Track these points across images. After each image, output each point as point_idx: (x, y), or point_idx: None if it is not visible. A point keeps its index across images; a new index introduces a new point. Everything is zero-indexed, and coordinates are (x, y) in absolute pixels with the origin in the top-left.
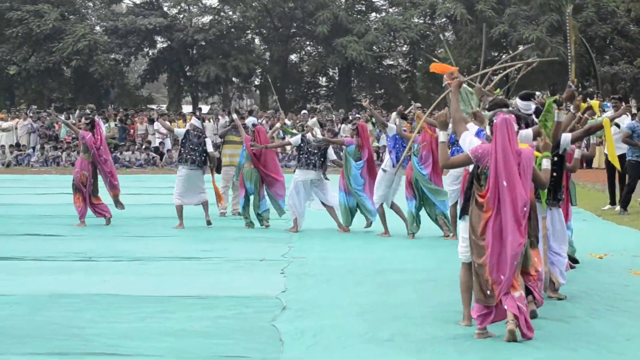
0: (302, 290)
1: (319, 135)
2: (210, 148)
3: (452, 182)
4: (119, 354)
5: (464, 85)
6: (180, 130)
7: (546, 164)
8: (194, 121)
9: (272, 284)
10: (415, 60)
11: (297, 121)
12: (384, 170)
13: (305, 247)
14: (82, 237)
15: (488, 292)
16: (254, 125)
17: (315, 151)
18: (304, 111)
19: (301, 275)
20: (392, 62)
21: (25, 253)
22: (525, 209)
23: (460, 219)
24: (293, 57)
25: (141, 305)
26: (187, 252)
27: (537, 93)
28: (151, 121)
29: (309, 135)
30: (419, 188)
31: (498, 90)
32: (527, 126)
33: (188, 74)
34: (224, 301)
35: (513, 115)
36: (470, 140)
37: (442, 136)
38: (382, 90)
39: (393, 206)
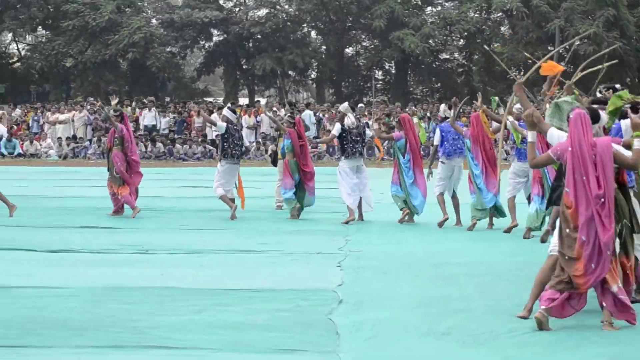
0: (358, 283)
1: (353, 120)
2: (247, 142)
3: (516, 175)
4: (175, 347)
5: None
6: (221, 124)
7: (637, 144)
8: (227, 113)
9: (329, 277)
10: (472, 54)
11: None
12: (442, 162)
13: (362, 240)
14: (138, 229)
15: (567, 281)
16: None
17: (358, 138)
18: (360, 105)
19: (358, 268)
20: (448, 56)
21: (83, 245)
22: (601, 200)
23: (546, 209)
24: (349, 50)
25: (197, 298)
26: (244, 245)
27: (617, 85)
28: (210, 113)
29: (347, 121)
30: (475, 183)
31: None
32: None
33: (244, 67)
34: (281, 294)
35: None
36: (558, 135)
37: (530, 136)
38: (439, 84)
39: (454, 198)
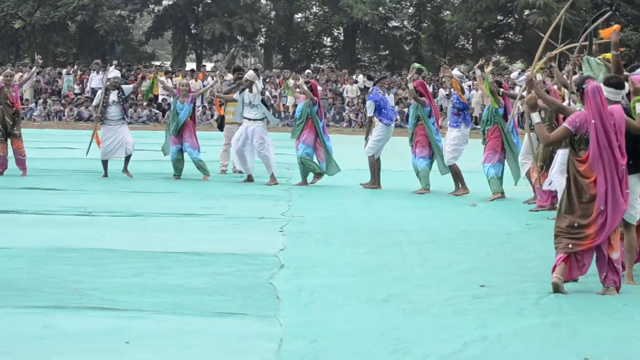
0: (300, 248)
1: (260, 87)
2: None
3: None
4: (116, 309)
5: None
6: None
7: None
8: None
9: (271, 242)
10: (421, 23)
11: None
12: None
13: (305, 205)
14: (82, 191)
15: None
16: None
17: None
18: (307, 71)
19: (300, 233)
20: (397, 24)
21: (26, 206)
22: (623, 168)
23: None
24: (298, 16)
25: (138, 260)
26: (187, 209)
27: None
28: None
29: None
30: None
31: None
32: None
33: (193, 31)
34: (222, 258)
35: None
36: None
37: (535, 117)
38: (387, 52)
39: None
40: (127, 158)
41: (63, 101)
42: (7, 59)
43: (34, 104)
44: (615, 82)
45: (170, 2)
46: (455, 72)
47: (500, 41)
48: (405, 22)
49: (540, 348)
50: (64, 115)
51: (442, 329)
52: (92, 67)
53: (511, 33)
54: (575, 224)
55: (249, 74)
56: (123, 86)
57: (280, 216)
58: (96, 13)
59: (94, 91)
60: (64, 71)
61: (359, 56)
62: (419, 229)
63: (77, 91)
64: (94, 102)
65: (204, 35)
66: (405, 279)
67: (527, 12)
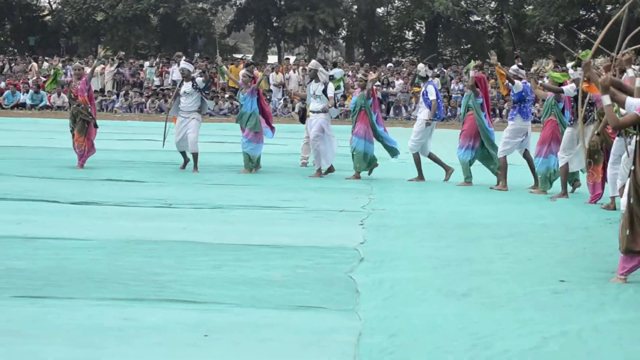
0: (380, 242)
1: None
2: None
3: (516, 134)
4: (194, 301)
5: None
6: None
7: None
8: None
9: (351, 235)
10: (503, 17)
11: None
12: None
13: (385, 199)
14: (162, 183)
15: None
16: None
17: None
18: (389, 64)
19: (380, 227)
20: (479, 18)
21: (107, 198)
22: None
23: None
24: (380, 10)
25: (218, 253)
26: (267, 201)
27: None
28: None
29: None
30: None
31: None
32: None
33: (275, 24)
34: (302, 251)
35: None
36: (637, 102)
37: (606, 99)
38: (469, 46)
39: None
40: (194, 157)
41: (144, 93)
42: (89, 50)
43: (115, 96)
44: None
45: None
46: (514, 67)
47: (582, 36)
48: (487, 17)
49: (619, 344)
50: (145, 107)
51: (522, 324)
52: (174, 59)
53: (594, 28)
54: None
55: (312, 62)
56: (197, 78)
57: (360, 209)
58: (178, 6)
59: (174, 83)
60: (147, 63)
61: (441, 50)
62: (500, 222)
63: (157, 83)
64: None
65: (286, 28)
66: (485, 273)
67: (609, 7)
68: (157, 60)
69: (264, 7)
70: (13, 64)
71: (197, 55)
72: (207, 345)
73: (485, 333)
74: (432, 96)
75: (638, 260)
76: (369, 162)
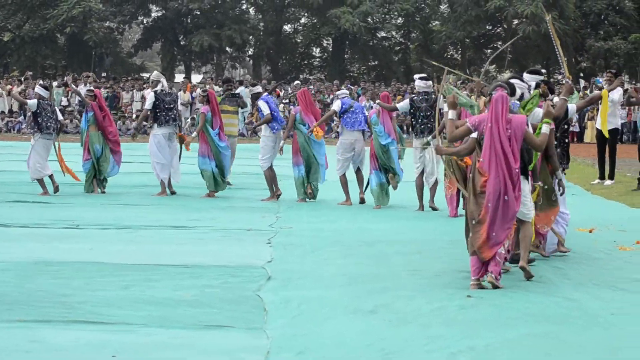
0: (288, 260)
1: (165, 85)
2: (60, 116)
3: (345, 151)
4: (103, 322)
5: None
6: (32, 102)
7: (545, 129)
8: (39, 90)
9: (258, 254)
10: (410, 33)
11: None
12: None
13: (293, 217)
14: (70, 204)
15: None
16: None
17: (172, 106)
18: (296, 82)
19: (288, 245)
20: (386, 34)
21: (14, 220)
22: (517, 171)
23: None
24: (287, 27)
25: (126, 273)
26: (176, 221)
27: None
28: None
29: (159, 88)
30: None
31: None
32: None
33: (182, 43)
34: (210, 270)
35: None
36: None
37: (450, 114)
38: (376, 62)
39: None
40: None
41: None
42: None
43: (22, 117)
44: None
45: (159, 14)
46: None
47: (489, 51)
48: (394, 32)
49: (528, 358)
50: None
51: (430, 339)
52: (80, 78)
53: (500, 42)
54: (474, 221)
55: (154, 74)
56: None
57: (268, 228)
58: (85, 25)
59: (81, 103)
60: (55, 84)
61: (348, 67)
62: (407, 239)
63: (64, 103)
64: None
65: (193, 47)
66: (392, 289)
67: (516, 21)
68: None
69: (170, 26)
70: None
71: (103, 74)
72: None
73: (393, 349)
74: (265, 111)
75: (475, 259)
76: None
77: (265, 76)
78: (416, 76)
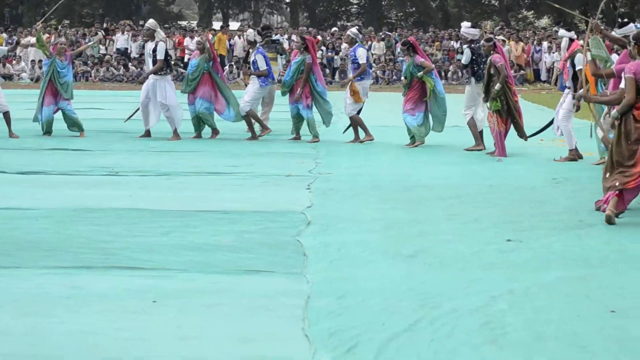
0: (327, 205)
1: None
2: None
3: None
4: (142, 268)
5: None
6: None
7: None
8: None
9: (298, 200)
10: None
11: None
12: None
13: (332, 163)
14: (109, 152)
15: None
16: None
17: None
18: (334, 28)
19: (327, 190)
20: None
21: (53, 167)
22: None
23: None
24: None
25: (165, 219)
26: (214, 167)
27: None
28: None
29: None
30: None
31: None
32: None
33: None
34: (249, 216)
35: None
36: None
37: (589, 55)
38: (413, 9)
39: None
40: (6, 118)
41: (89, 62)
42: (33, 20)
43: None
44: None
45: None
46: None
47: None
48: None
49: (567, 301)
50: (90, 76)
51: (469, 283)
52: (118, 27)
53: None
54: (624, 164)
55: (150, 22)
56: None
57: (307, 173)
58: None
59: (119, 51)
60: (90, 32)
61: (386, 13)
62: (446, 184)
63: (102, 52)
64: None
65: None
66: (431, 234)
67: None
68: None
69: None
70: None
71: (141, 22)
72: (155, 312)
73: (433, 293)
74: (261, 66)
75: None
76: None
77: (302, 23)
78: (467, 24)
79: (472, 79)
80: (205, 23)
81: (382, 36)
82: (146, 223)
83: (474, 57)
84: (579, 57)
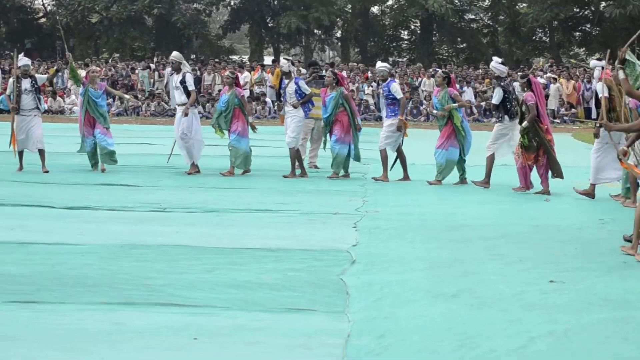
0: (372, 244)
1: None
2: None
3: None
4: (185, 305)
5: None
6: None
7: None
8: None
9: (344, 238)
10: (497, 15)
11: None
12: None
13: (380, 201)
14: (158, 187)
15: None
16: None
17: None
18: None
19: (373, 229)
20: (473, 16)
21: (101, 203)
22: None
23: None
24: (374, 9)
25: (211, 256)
26: (262, 205)
27: None
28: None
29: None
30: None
31: None
32: None
33: (269, 24)
34: (294, 254)
35: None
36: None
37: (621, 74)
38: (464, 45)
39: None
40: (41, 153)
41: (140, 96)
42: (85, 53)
43: (111, 100)
44: None
45: None
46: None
47: (577, 34)
48: (482, 15)
49: (606, 343)
50: (141, 111)
51: (509, 323)
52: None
53: (588, 25)
54: None
55: (174, 54)
56: (37, 75)
57: (354, 212)
58: (172, 6)
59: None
60: (140, 67)
61: (437, 49)
62: (492, 224)
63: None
64: (7, 91)
65: (281, 29)
66: (474, 274)
67: (603, 4)
68: (155, 60)
69: (257, 7)
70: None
71: (192, 56)
72: (195, 349)
73: (472, 333)
74: (398, 95)
75: None
76: (245, 161)
77: (354, 58)
78: (498, 60)
79: (506, 117)
80: (256, 57)
81: (432, 72)
82: (190, 260)
83: (505, 96)
84: (599, 85)
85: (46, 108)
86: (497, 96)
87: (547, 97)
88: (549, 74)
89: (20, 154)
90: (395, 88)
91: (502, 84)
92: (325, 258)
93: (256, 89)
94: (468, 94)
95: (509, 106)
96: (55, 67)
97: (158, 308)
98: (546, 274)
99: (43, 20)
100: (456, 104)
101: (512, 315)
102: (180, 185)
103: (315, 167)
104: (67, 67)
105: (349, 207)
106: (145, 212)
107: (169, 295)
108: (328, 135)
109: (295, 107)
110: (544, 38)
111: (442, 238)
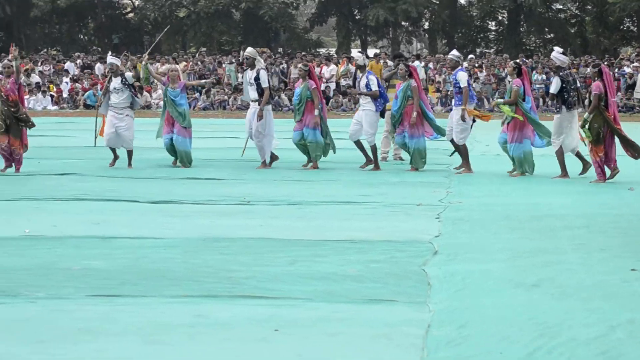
0: (455, 235)
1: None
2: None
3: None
4: (267, 297)
5: None
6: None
7: None
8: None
9: (427, 229)
10: (585, 5)
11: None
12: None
13: (463, 191)
14: (242, 181)
15: None
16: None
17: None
18: (470, 56)
19: (457, 220)
20: (561, 6)
21: (185, 197)
22: None
23: None
24: (462, 0)
25: (294, 249)
26: (345, 197)
27: None
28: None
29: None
30: None
31: None
32: None
33: (357, 17)
34: (377, 245)
35: None
36: None
37: None
38: (552, 35)
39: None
40: (128, 154)
41: (227, 90)
42: (172, 47)
43: (197, 94)
44: None
45: None
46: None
47: None
48: (569, 5)
49: None
50: (228, 105)
51: (589, 312)
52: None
53: None
54: None
55: (248, 50)
56: (127, 74)
57: (437, 203)
58: (260, 0)
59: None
60: (226, 60)
61: (524, 40)
62: (575, 213)
63: (240, 80)
64: (102, 91)
65: (368, 21)
66: (556, 263)
67: None
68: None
69: (345, 0)
70: (98, 63)
71: (280, 49)
72: (276, 340)
73: (552, 323)
74: (462, 83)
75: None
76: (324, 150)
77: (441, 50)
78: (559, 49)
79: (563, 107)
80: (344, 50)
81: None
82: (274, 252)
83: (563, 85)
84: None
85: (142, 104)
86: (555, 85)
87: (633, 85)
88: (635, 63)
89: (113, 150)
90: (461, 77)
91: (561, 73)
92: (408, 249)
93: (342, 82)
94: (555, 84)
95: (566, 96)
96: (133, 64)
97: (240, 300)
98: (628, 262)
99: (131, 15)
100: (501, 100)
101: (593, 304)
102: (265, 178)
103: (400, 158)
104: (143, 66)
105: (432, 198)
106: (229, 206)
107: (252, 287)
108: (396, 127)
109: (354, 95)
110: (631, 27)
111: (526, 228)
